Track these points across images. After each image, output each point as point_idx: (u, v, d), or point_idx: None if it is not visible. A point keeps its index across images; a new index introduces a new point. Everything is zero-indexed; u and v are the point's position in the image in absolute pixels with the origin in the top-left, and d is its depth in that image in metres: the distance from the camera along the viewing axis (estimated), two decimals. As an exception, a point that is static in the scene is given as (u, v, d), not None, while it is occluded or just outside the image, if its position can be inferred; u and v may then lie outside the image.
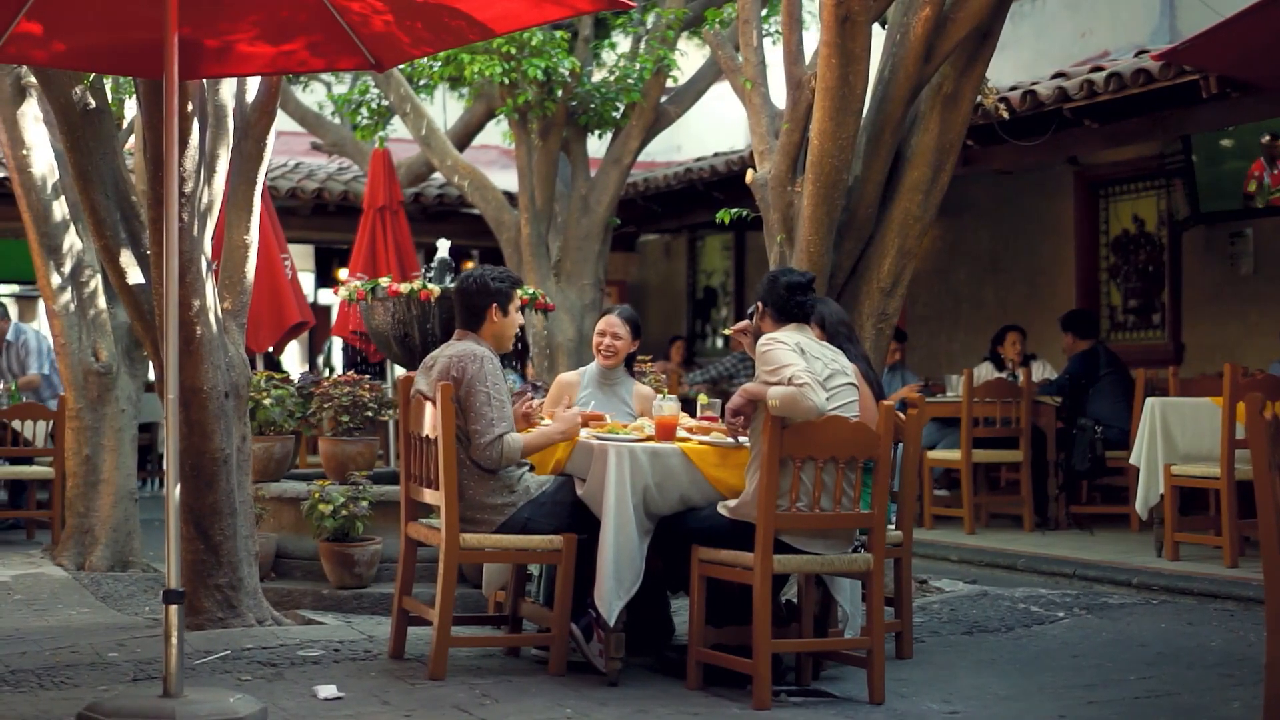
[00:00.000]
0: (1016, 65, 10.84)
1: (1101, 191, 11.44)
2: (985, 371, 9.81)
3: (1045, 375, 9.74)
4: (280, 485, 6.92)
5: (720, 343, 15.77)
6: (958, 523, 9.21)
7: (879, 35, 6.28)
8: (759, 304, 5.08)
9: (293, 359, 18.57)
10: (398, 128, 11.31)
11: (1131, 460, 7.71)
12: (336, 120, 12.29)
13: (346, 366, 12.60)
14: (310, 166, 14.12)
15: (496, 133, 13.18)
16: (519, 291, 5.38)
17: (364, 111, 10.75)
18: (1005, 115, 7.08)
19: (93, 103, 5.87)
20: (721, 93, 11.57)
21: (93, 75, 5.91)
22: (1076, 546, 8.24)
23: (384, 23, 5.19)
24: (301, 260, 13.37)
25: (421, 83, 10.85)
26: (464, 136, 11.70)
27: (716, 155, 12.49)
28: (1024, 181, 11.50)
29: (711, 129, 14.63)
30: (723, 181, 11.75)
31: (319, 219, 13.31)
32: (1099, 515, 9.28)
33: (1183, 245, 10.74)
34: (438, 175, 12.67)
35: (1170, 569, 7.22)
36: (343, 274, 16.57)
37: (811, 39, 6.52)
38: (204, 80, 5.56)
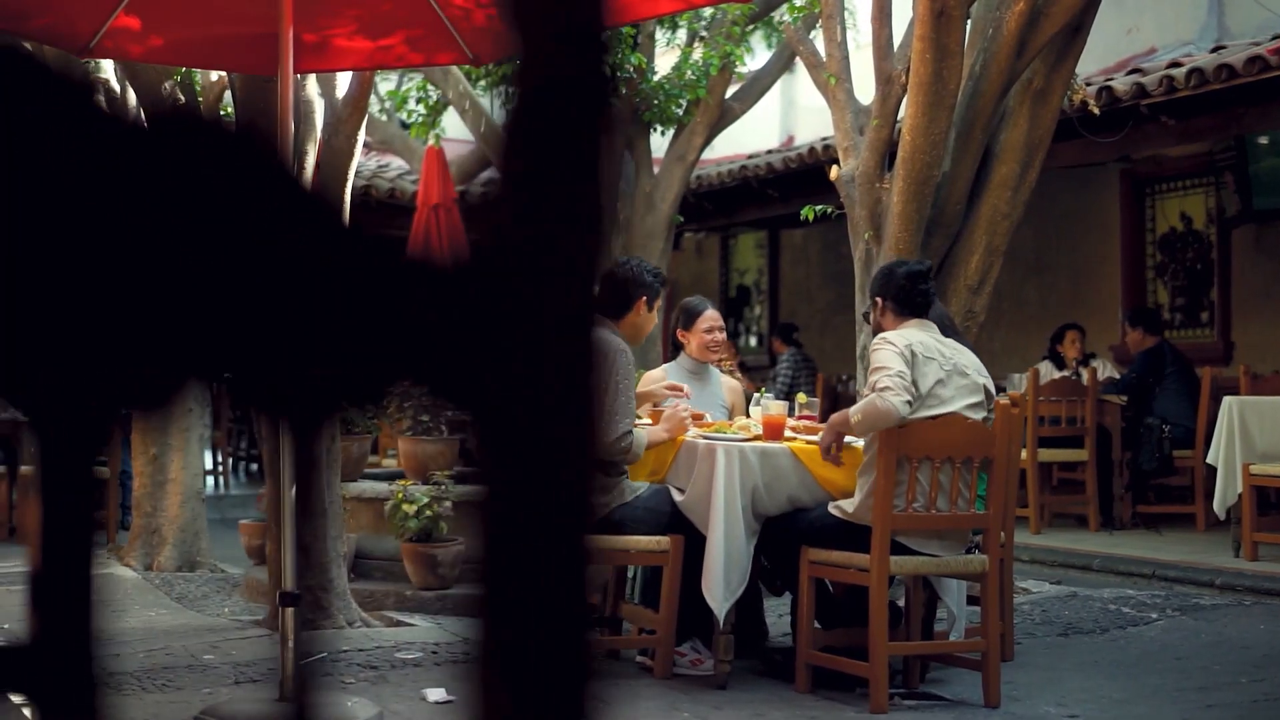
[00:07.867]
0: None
1: (1148, 189, 11.35)
2: (1045, 370, 9.71)
3: (1108, 374, 9.64)
4: (359, 485, 6.81)
5: (755, 341, 15.69)
6: (1020, 523, 9.09)
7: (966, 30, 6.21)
8: (877, 300, 4.99)
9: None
10: (447, 126, 11.22)
11: (1209, 459, 7.63)
12: (384, 118, 12.21)
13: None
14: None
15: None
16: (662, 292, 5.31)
17: (420, 108, 10.65)
18: (1096, 111, 7.00)
19: (181, 98, 5.79)
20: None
21: (182, 71, 5.83)
22: (1148, 546, 8.15)
23: (487, 17, 5.13)
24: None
25: (477, 80, 10.75)
26: (518, 134, 11.57)
27: (770, 152, 12.41)
28: (1067, 179, 11.39)
29: (744, 126, 14.52)
30: (779, 179, 11.67)
31: (360, 216, 13.24)
32: (1163, 515, 9.19)
33: (1232, 243, 10.66)
34: (483, 174, 12.57)
35: (1252, 569, 7.14)
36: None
37: (899, 34, 6.44)
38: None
